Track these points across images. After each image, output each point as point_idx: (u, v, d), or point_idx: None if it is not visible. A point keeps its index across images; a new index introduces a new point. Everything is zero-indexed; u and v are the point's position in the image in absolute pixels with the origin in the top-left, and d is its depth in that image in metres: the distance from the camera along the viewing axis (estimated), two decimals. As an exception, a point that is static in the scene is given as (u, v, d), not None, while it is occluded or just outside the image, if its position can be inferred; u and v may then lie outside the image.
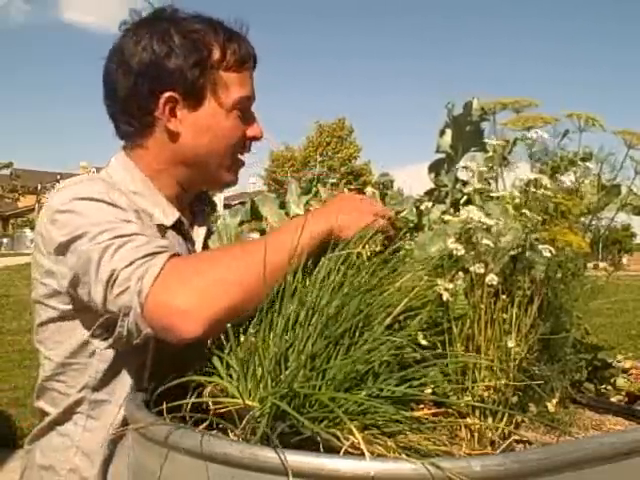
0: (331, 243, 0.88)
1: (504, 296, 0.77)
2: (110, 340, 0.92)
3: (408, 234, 0.94)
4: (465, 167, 0.96)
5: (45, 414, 1.08)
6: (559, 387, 0.81)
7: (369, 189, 1.07)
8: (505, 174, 0.90)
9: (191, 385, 0.77)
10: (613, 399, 0.97)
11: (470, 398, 0.75)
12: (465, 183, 0.99)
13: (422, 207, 0.97)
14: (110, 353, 1.02)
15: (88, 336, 0.94)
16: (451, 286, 0.77)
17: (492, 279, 0.75)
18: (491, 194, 0.86)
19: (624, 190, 0.90)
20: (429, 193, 1.03)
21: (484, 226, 0.76)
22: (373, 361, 0.74)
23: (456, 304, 0.78)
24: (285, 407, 0.66)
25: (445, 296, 0.77)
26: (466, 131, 0.95)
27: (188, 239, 1.14)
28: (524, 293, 0.77)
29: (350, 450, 0.63)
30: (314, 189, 1.09)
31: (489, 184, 0.90)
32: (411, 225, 0.97)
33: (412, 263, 0.84)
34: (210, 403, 0.74)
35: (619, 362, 1.07)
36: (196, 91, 1.06)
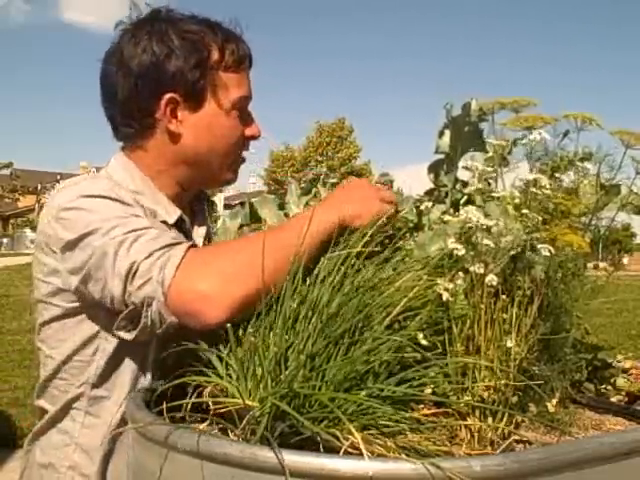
0: (335, 237, 0.89)
1: (504, 296, 0.77)
2: (135, 332, 0.93)
3: (408, 234, 0.94)
4: (465, 167, 0.96)
5: (45, 412, 1.08)
6: (559, 387, 0.81)
7: None
8: (505, 174, 0.90)
9: (191, 385, 0.77)
10: (613, 399, 0.97)
11: (470, 398, 0.75)
12: (465, 183, 0.99)
13: (422, 207, 0.97)
14: (112, 350, 1.02)
15: (114, 328, 0.94)
16: (451, 286, 0.77)
17: (492, 279, 0.75)
18: (491, 194, 0.86)
19: (624, 190, 0.90)
20: (429, 193, 1.03)
21: (484, 226, 0.76)
22: (373, 361, 0.74)
23: (456, 304, 0.78)
24: (285, 407, 0.66)
25: (445, 296, 0.77)
26: (465, 132, 0.95)
27: (189, 238, 1.14)
28: (524, 293, 0.77)
29: (350, 450, 0.63)
30: (314, 189, 1.09)
31: (489, 184, 0.90)
32: (411, 225, 0.97)
33: (412, 263, 0.85)
34: (210, 403, 0.74)
35: (619, 362, 1.07)
36: (197, 92, 1.06)
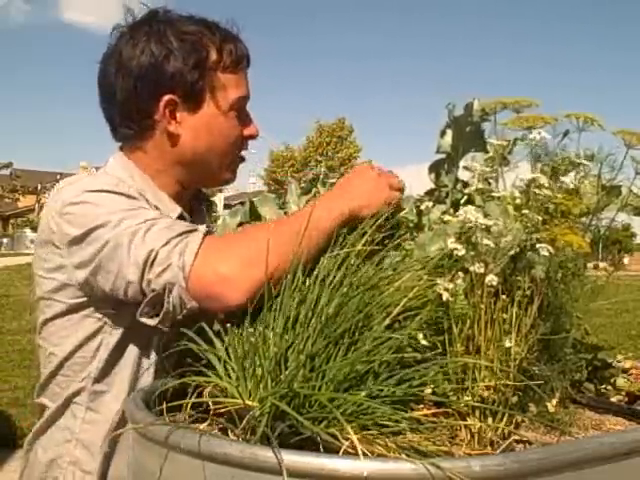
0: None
1: (504, 296, 0.77)
2: (158, 318, 0.93)
3: (408, 234, 0.94)
4: (466, 167, 0.96)
5: (46, 409, 1.09)
6: (559, 387, 0.81)
7: None
8: (505, 174, 0.90)
9: (191, 385, 0.77)
10: (613, 399, 0.97)
11: (470, 398, 0.75)
12: (465, 184, 0.99)
13: (422, 207, 0.97)
14: (114, 344, 1.03)
15: (138, 314, 0.94)
16: (451, 286, 0.77)
17: (492, 279, 0.75)
18: (492, 194, 0.86)
19: (624, 191, 0.90)
20: (429, 193, 1.03)
21: (483, 226, 0.76)
22: (373, 361, 0.74)
23: (456, 304, 0.78)
24: (285, 407, 0.66)
25: (445, 296, 0.77)
26: (466, 132, 0.96)
27: None
28: (524, 293, 0.77)
29: (350, 450, 0.63)
30: (314, 189, 1.09)
31: (489, 184, 0.90)
32: (411, 225, 0.97)
33: (412, 263, 0.85)
34: (210, 403, 0.74)
35: (619, 362, 1.07)
36: (195, 93, 1.06)
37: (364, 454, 0.61)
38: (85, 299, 1.03)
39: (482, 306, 0.77)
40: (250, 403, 0.70)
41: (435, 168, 1.02)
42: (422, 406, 0.76)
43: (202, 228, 0.96)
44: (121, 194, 1.00)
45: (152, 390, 0.82)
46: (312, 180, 1.11)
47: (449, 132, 0.98)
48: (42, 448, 1.08)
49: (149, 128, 1.08)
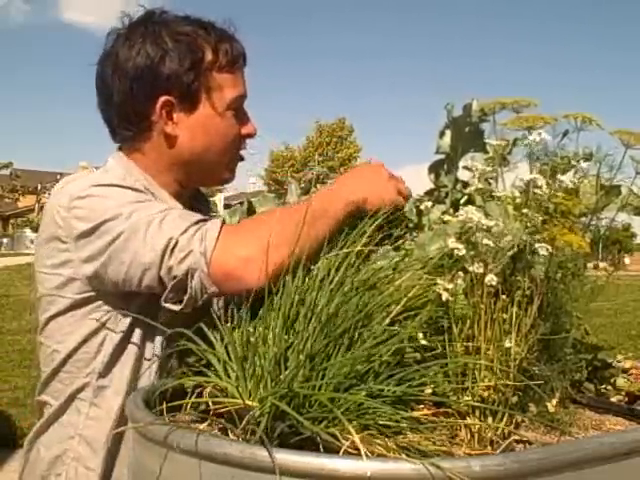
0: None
1: (504, 296, 0.77)
2: (182, 304, 0.95)
3: (408, 234, 0.95)
4: (466, 167, 0.96)
5: (47, 407, 1.09)
6: (559, 387, 0.81)
7: None
8: (505, 174, 0.90)
9: (191, 385, 0.77)
10: (613, 399, 0.97)
11: (470, 398, 0.75)
12: (465, 184, 0.99)
13: (422, 207, 0.97)
14: (118, 339, 1.04)
15: (162, 300, 0.96)
16: (451, 286, 0.77)
17: (492, 279, 0.75)
18: (492, 194, 0.86)
19: (624, 190, 0.90)
20: (429, 193, 1.03)
21: (484, 226, 0.76)
22: (373, 361, 0.74)
23: (456, 304, 0.78)
24: (285, 407, 0.66)
25: (445, 296, 0.77)
26: (466, 132, 0.96)
27: None
28: (524, 293, 0.77)
29: (350, 450, 0.63)
30: (314, 189, 1.09)
31: (489, 184, 0.90)
32: (411, 225, 0.97)
33: (412, 262, 0.85)
34: (210, 403, 0.74)
35: (619, 362, 1.07)
36: (192, 94, 1.07)
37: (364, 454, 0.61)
38: (91, 294, 1.03)
39: (482, 306, 0.77)
40: (250, 403, 0.70)
41: (435, 168, 1.02)
42: (422, 406, 0.76)
43: (219, 219, 0.99)
44: (129, 188, 1.02)
45: (152, 390, 0.82)
46: (312, 180, 1.11)
47: (448, 132, 0.98)
48: (44, 446, 1.08)
49: (146, 129, 1.09)
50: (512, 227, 0.77)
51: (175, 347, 0.83)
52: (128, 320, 1.04)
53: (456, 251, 0.77)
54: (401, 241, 0.92)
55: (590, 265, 0.86)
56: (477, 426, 0.74)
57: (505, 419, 0.76)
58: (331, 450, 0.64)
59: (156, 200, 1.05)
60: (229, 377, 0.75)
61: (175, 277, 0.94)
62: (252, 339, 0.76)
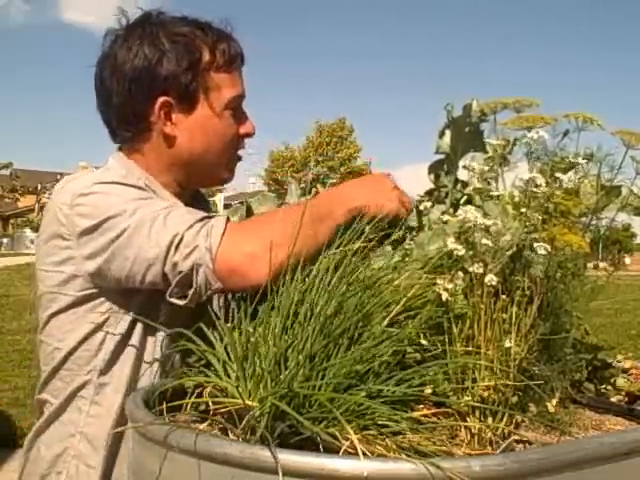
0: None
1: (504, 296, 0.77)
2: (187, 299, 0.95)
3: (408, 234, 0.95)
4: (465, 167, 0.96)
5: (48, 406, 1.09)
6: (559, 387, 0.81)
7: None
8: (505, 174, 0.90)
9: (191, 385, 0.77)
10: (613, 399, 0.97)
11: (470, 398, 0.75)
12: (465, 184, 0.99)
13: (422, 207, 0.97)
14: (119, 337, 1.04)
15: (167, 294, 0.96)
16: (450, 286, 0.77)
17: (491, 279, 0.75)
18: (490, 193, 0.86)
19: (624, 190, 0.90)
20: (429, 193, 1.03)
21: (482, 226, 0.76)
22: (373, 361, 0.73)
23: (456, 304, 0.78)
24: (284, 407, 0.66)
25: (445, 296, 0.77)
26: (465, 132, 0.96)
27: None
28: (524, 293, 0.77)
29: (350, 450, 0.63)
30: (314, 189, 1.09)
31: (489, 184, 0.90)
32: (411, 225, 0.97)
33: (411, 262, 0.85)
34: (210, 403, 0.74)
35: (619, 362, 1.07)
36: (190, 95, 1.07)
37: (364, 454, 0.61)
38: (93, 291, 1.04)
39: (482, 306, 0.77)
40: (250, 403, 0.70)
41: (434, 169, 1.02)
42: (422, 406, 0.76)
43: (224, 216, 0.99)
44: (131, 185, 1.02)
45: (152, 390, 0.82)
46: (312, 180, 1.11)
47: (448, 133, 0.98)
48: (45, 445, 1.08)
49: (145, 130, 1.09)
50: (511, 226, 0.77)
51: (175, 347, 0.84)
52: (129, 318, 1.04)
53: (455, 251, 0.77)
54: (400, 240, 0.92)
55: (590, 265, 0.86)
56: (477, 426, 0.74)
57: (505, 419, 0.76)
58: (331, 450, 0.64)
59: (158, 198, 1.06)
60: (229, 377, 0.74)
61: (180, 272, 0.94)
62: (252, 339, 0.76)
